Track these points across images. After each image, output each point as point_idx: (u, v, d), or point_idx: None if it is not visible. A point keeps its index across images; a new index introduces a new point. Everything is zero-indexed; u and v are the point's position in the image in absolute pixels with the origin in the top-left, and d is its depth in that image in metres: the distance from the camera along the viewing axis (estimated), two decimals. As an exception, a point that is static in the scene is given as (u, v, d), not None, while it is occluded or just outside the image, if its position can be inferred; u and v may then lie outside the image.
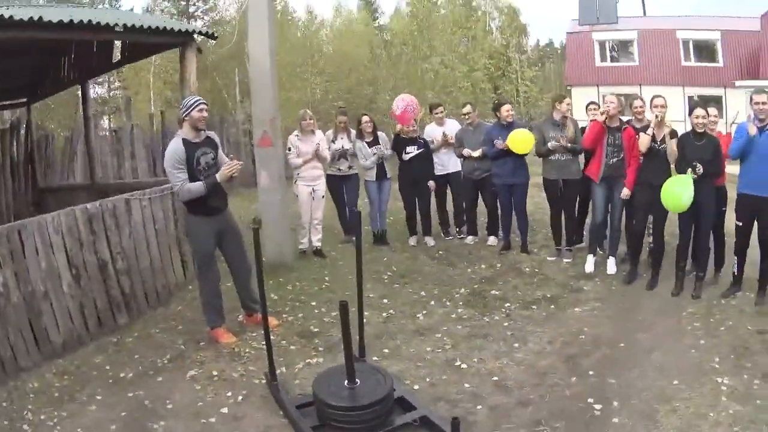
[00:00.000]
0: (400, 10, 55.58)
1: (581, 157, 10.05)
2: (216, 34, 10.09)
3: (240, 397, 6.09)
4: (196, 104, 7.07)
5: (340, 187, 11.32)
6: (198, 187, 6.98)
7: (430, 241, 11.67)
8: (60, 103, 27.42)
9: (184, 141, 7.03)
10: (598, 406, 5.75)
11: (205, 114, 7.18)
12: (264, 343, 6.22)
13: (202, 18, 48.36)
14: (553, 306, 8.36)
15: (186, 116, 7.10)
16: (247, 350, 7.14)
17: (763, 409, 5.54)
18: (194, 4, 48.86)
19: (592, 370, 6.48)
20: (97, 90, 41.24)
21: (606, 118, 9.26)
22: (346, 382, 5.23)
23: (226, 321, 7.62)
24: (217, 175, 7.07)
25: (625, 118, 9.59)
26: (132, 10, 44.53)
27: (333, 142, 10.98)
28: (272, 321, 7.37)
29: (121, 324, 7.95)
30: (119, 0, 46.75)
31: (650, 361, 6.63)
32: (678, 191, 8.00)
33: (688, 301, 8.34)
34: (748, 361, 6.48)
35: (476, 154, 10.82)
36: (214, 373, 6.59)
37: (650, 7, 46.90)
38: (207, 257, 7.33)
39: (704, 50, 35.61)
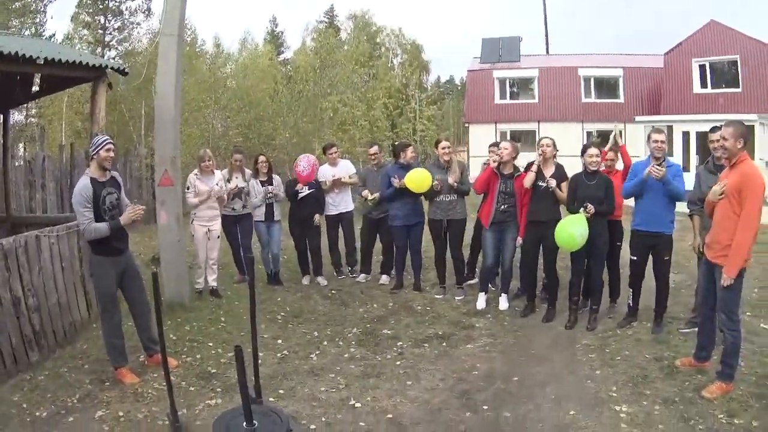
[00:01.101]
0: (306, 45, 55.97)
1: (469, 200, 10.26)
2: (127, 70, 10.03)
3: (147, 439, 6.01)
4: (104, 143, 7.12)
5: (234, 227, 11.30)
6: (103, 227, 6.99)
7: (322, 280, 11.79)
8: None
9: (92, 180, 7.06)
10: (494, 440, 5.76)
11: (112, 154, 7.22)
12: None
13: (117, 48, 48.11)
14: (445, 343, 8.45)
15: (94, 155, 7.15)
16: (149, 391, 7.07)
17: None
18: (110, 33, 48.64)
19: (486, 405, 6.55)
20: (15, 116, 40.62)
21: (498, 164, 9.42)
22: (244, 424, 5.13)
23: (129, 361, 7.56)
24: (121, 218, 7.12)
25: (529, 157, 9.75)
26: (53, 36, 44.30)
27: (228, 181, 10.97)
28: (171, 362, 7.35)
29: (33, 361, 7.86)
30: (44, 25, 46.40)
31: (545, 394, 6.74)
32: (571, 231, 8.27)
33: (583, 333, 8.59)
34: (647, 388, 6.68)
35: (371, 197, 11.04)
36: (120, 414, 6.52)
37: (553, 46, 48.15)
38: (109, 297, 7.27)
39: (606, 87, 36.87)
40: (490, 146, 10.55)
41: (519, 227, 9.53)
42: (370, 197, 11.10)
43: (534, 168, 8.95)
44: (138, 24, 48.55)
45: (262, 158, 11.58)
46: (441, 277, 10.85)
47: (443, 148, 10.40)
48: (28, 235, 8.14)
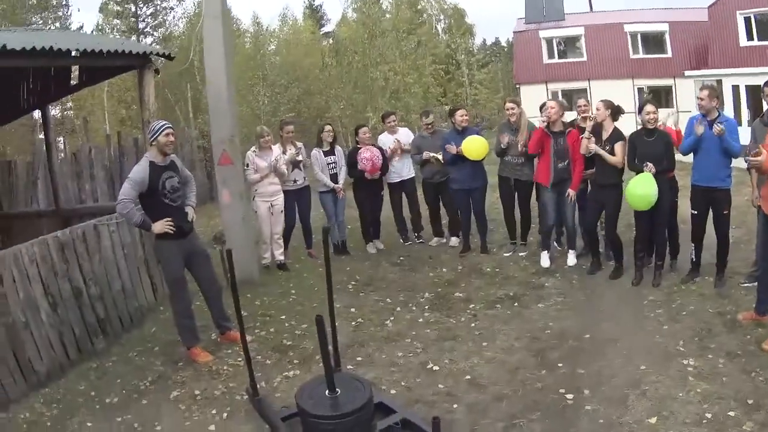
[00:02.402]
0: (347, 17, 55.66)
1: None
2: (173, 55, 10.13)
3: (225, 414, 6.17)
4: (162, 129, 7.18)
5: (294, 201, 11.27)
6: (134, 216, 7.06)
7: (378, 244, 12.00)
8: (16, 126, 27.00)
9: (152, 164, 7.13)
10: (570, 396, 5.95)
11: (172, 138, 7.27)
12: (240, 359, 6.42)
13: (152, 34, 48.24)
14: (516, 304, 8.56)
15: (153, 140, 7.20)
16: (224, 368, 7.20)
17: (729, 386, 5.81)
18: (144, 20, 48.68)
19: (560, 363, 6.68)
20: (51, 111, 40.91)
21: (548, 124, 9.52)
22: (327, 392, 5.31)
23: (201, 340, 7.71)
24: (153, 226, 7.16)
25: (571, 114, 9.85)
26: (82, 27, 44.22)
27: (284, 153, 10.92)
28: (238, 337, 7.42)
29: (99, 349, 7.96)
30: (69, 18, 46.51)
31: (616, 350, 6.85)
32: (642, 192, 8.26)
33: (649, 289, 8.63)
34: (712, 342, 6.75)
35: (439, 157, 11.02)
36: (197, 392, 6.64)
37: (597, 2, 47.38)
38: (177, 280, 7.40)
39: (652, 42, 36.16)
40: (541, 106, 10.41)
41: (572, 183, 9.61)
42: (437, 157, 11.06)
43: (586, 134, 8.95)
44: (171, 8, 48.76)
45: (328, 127, 11.60)
46: (512, 233, 10.95)
47: (508, 110, 10.52)
48: (86, 225, 8.31)
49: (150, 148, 7.32)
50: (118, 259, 8.69)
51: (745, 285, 8.27)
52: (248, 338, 7.25)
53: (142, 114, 9.74)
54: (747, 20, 31.27)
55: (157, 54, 9.70)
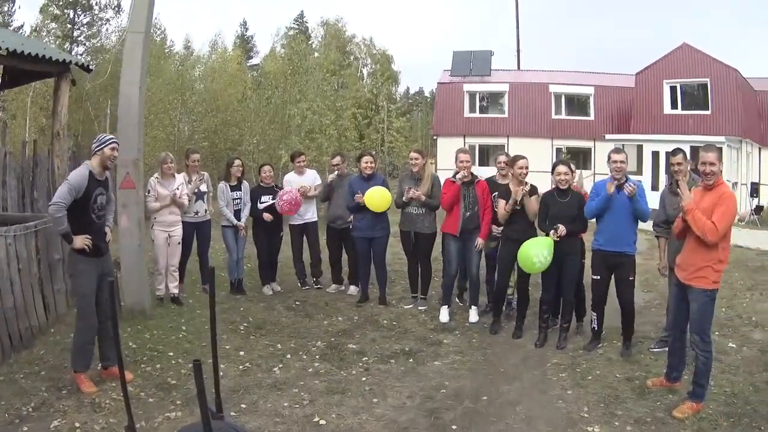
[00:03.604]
0: (275, 51, 55.70)
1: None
2: (92, 67, 9.80)
3: (103, 451, 5.81)
4: (109, 141, 7.12)
5: (193, 233, 11.03)
6: (63, 223, 6.82)
7: (275, 286, 11.76)
8: None
9: (90, 174, 6.97)
10: (462, 462, 5.62)
11: (116, 153, 7.24)
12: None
13: (84, 44, 47.84)
14: (411, 360, 8.27)
15: (98, 151, 7.07)
16: (107, 401, 6.83)
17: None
18: (79, 28, 48.23)
19: (454, 425, 6.39)
20: None
21: (462, 176, 9.46)
22: None
23: (89, 368, 7.33)
24: (74, 239, 6.93)
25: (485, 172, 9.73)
26: (22, 27, 43.97)
27: (189, 183, 10.72)
28: (128, 375, 7.12)
29: None
30: (12, 14, 46.50)
31: (516, 414, 6.62)
32: (532, 253, 8.23)
33: (553, 352, 8.51)
34: (619, 408, 6.61)
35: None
36: (77, 424, 6.30)
37: (525, 62, 48.48)
38: (87, 295, 7.07)
39: (576, 104, 37.16)
40: (457, 152, 10.11)
41: (481, 232, 9.56)
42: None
43: (518, 196, 8.83)
44: (107, 20, 48.45)
45: (238, 162, 11.48)
46: (413, 288, 10.78)
47: (411, 159, 10.39)
48: None
49: (92, 158, 7.14)
50: (12, 273, 8.26)
51: (655, 350, 8.29)
52: (131, 376, 7.22)
53: (53, 124, 9.81)
54: (672, 89, 32.90)
55: (76, 64, 9.64)
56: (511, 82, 39.07)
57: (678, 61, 32.63)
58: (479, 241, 9.54)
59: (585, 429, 6.16)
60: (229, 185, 11.20)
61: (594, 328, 8.58)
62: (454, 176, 9.60)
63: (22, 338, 8.35)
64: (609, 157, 8.17)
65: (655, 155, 29.69)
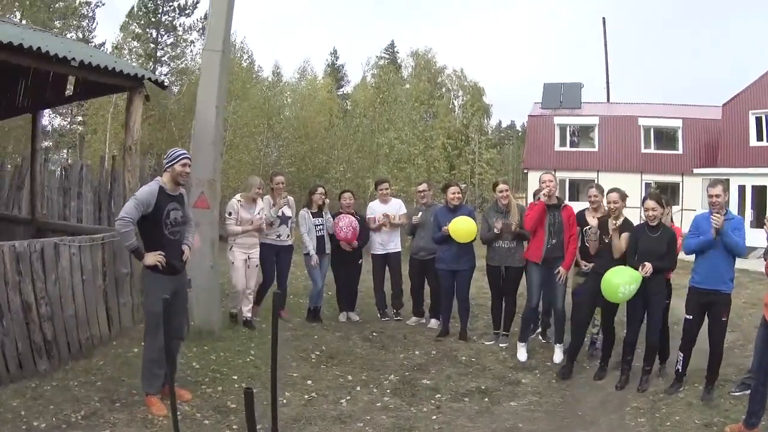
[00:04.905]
0: (366, 81, 56.00)
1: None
2: (166, 83, 9.84)
3: (147, 468, 5.71)
4: (180, 157, 7.06)
5: (272, 257, 10.92)
6: (131, 238, 6.81)
7: (353, 315, 11.64)
8: (15, 126, 26.81)
9: (161, 189, 6.93)
10: None
11: (188, 170, 7.13)
12: (180, 414, 6.18)
13: (168, 64, 48.60)
14: (487, 399, 7.95)
15: (169, 167, 7.03)
16: (160, 418, 6.75)
17: None
18: (162, 49, 48.95)
19: None
20: (57, 121, 41.32)
21: (548, 197, 9.24)
22: None
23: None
24: (146, 257, 6.88)
25: (576, 205, 9.47)
26: (104, 44, 44.86)
27: (273, 206, 10.63)
28: (186, 395, 7.22)
29: (41, 370, 7.70)
30: (93, 31, 47.37)
31: None
32: (616, 282, 7.92)
33: (634, 395, 8.08)
34: None
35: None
36: None
37: (614, 94, 47.87)
38: (158, 317, 6.84)
39: (665, 137, 36.42)
40: (540, 176, 9.93)
41: (564, 261, 9.27)
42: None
43: (592, 231, 8.78)
44: (192, 42, 48.79)
45: (320, 190, 11.41)
46: (496, 323, 10.46)
47: (501, 191, 10.12)
48: (45, 241, 8.11)
49: (164, 174, 7.12)
50: (75, 283, 8.44)
51: (735, 394, 7.84)
52: (188, 396, 7.27)
53: (126, 139, 9.71)
54: (758, 120, 31.72)
55: (149, 79, 9.60)
56: (601, 115, 38.64)
57: (764, 89, 31.56)
58: (561, 271, 9.21)
59: (662, 480, 5.74)
60: (311, 212, 11.10)
61: (678, 370, 8.16)
62: (535, 196, 9.44)
63: (81, 347, 8.49)
64: (708, 191, 7.81)
65: (742, 189, 29.04)
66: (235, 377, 8.20)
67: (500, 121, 74.58)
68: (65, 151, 43.10)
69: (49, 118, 38.80)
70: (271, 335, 5.53)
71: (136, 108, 9.43)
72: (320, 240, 11.09)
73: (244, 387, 4.62)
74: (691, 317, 7.95)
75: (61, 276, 8.06)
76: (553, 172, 9.76)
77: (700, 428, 6.92)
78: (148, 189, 6.85)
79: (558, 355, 9.47)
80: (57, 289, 7.99)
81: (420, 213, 11.24)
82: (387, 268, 11.71)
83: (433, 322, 11.27)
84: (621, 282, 7.84)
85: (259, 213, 10.35)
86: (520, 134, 63.40)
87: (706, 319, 7.90)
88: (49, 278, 7.87)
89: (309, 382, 8.27)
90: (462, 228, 9.96)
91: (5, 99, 12.47)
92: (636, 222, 8.72)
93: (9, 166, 14.97)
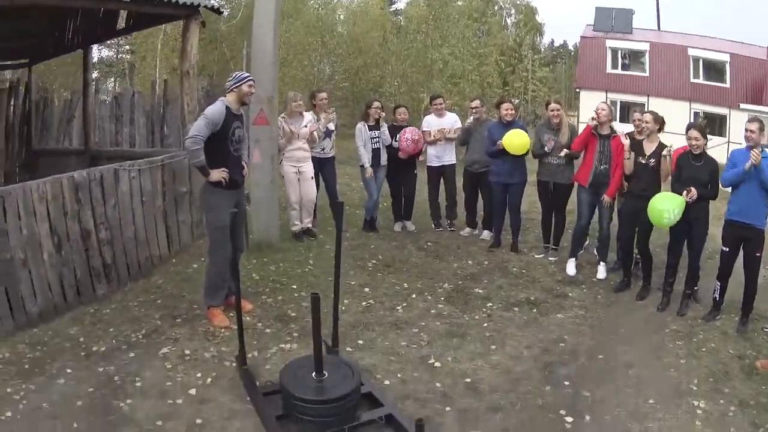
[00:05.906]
0: (419, -2, 55.34)
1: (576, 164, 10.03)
2: (222, 9, 9.92)
3: (209, 379, 6.02)
4: (247, 79, 7.31)
5: (316, 170, 11.02)
6: (200, 156, 7.01)
7: (410, 225, 11.91)
8: (62, 63, 26.83)
9: (228, 109, 7.13)
10: (569, 419, 5.66)
11: (253, 90, 7.47)
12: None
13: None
14: (535, 310, 8.23)
15: (235, 88, 7.26)
16: (222, 330, 7.08)
17: (735, 438, 5.45)
18: (213, -30, 48.44)
19: (567, 381, 6.37)
20: (104, 52, 41.20)
21: (596, 125, 9.35)
22: (314, 374, 5.15)
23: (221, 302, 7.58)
24: (211, 173, 7.13)
25: (624, 128, 9.58)
26: None
27: (318, 121, 10.79)
28: (247, 305, 7.41)
29: (99, 295, 7.87)
30: None
31: (628, 377, 6.52)
32: (661, 208, 8.01)
33: (673, 317, 8.21)
34: (726, 386, 6.38)
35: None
36: (187, 352, 6.52)
37: (664, 22, 46.65)
38: (223, 230, 7.05)
39: (713, 70, 35.64)
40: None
41: (609, 188, 9.39)
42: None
43: (626, 154, 8.78)
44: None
45: (377, 104, 11.46)
46: (546, 236, 10.67)
47: (553, 110, 10.20)
48: (105, 168, 8.24)
49: (228, 94, 7.32)
50: (134, 205, 8.63)
51: None
52: (249, 307, 7.40)
53: (182, 65, 9.83)
54: None
55: (205, 6, 9.60)
56: (652, 41, 37.74)
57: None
58: (606, 198, 9.37)
59: (691, 403, 6.00)
60: (368, 125, 11.25)
61: (715, 298, 8.27)
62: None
63: (141, 268, 8.71)
64: (745, 126, 7.87)
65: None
66: (295, 286, 8.52)
67: (552, 40, 72.96)
68: (113, 79, 43.01)
69: (96, 50, 38.73)
70: (336, 242, 5.92)
71: (193, 34, 9.37)
72: (376, 152, 11.25)
73: (311, 293, 5.00)
74: (727, 249, 8.05)
75: (120, 200, 8.33)
76: (608, 102, 9.86)
77: (733, 358, 7.03)
78: (216, 108, 7.07)
79: (602, 272, 9.68)
80: (116, 213, 8.26)
81: (474, 116, 11.36)
82: (442, 179, 11.84)
83: (486, 234, 11.51)
84: (666, 208, 7.94)
85: (306, 125, 10.49)
86: (572, 54, 62.26)
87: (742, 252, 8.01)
88: (109, 203, 8.11)
89: (366, 289, 8.60)
90: (516, 140, 10.09)
91: (53, 38, 12.56)
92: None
93: (57, 102, 15.06)
